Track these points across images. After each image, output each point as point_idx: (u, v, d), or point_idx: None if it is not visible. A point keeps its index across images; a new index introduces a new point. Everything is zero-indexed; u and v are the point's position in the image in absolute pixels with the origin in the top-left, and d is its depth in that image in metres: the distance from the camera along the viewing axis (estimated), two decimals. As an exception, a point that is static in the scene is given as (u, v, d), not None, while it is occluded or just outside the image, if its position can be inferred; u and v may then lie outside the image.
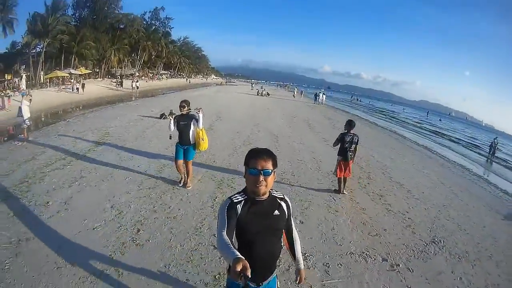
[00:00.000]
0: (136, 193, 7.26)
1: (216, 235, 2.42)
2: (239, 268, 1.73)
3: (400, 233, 7.29)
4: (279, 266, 4.92)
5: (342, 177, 8.98)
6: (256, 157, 2.49)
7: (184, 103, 7.81)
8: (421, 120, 77.05)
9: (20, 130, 12.75)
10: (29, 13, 48.71)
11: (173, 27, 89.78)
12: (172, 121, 7.79)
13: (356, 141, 8.96)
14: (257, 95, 49.60)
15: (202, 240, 5.62)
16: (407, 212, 8.60)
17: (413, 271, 5.77)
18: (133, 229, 5.73)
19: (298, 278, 2.89)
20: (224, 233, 2.27)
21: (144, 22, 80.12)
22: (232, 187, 8.32)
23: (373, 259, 5.99)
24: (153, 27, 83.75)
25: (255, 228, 2.48)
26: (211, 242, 5.56)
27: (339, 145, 8.98)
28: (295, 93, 67.29)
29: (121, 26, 70.84)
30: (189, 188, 7.84)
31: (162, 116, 15.27)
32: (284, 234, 2.81)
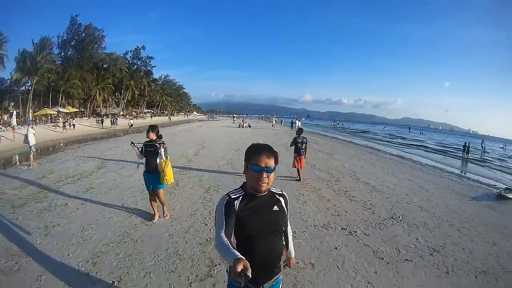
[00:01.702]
0: (141, 196, 8.51)
1: (214, 236, 2.37)
2: (239, 268, 1.71)
3: (360, 213, 8.47)
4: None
5: (298, 168, 11.88)
6: (259, 153, 2.43)
7: (150, 129, 7.11)
8: (395, 135, 78.17)
9: (26, 156, 13.57)
10: (18, 50, 48.85)
11: (154, 66, 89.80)
12: (137, 149, 7.14)
13: (306, 141, 12.45)
14: (239, 127, 50.39)
15: (196, 221, 7.00)
16: (369, 200, 9.80)
17: (369, 235, 6.97)
18: (142, 217, 7.03)
19: (288, 264, 3.04)
20: (222, 233, 2.24)
21: (126, 62, 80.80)
22: (218, 191, 9.62)
23: (333, 228, 7.24)
24: (135, 66, 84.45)
25: (255, 224, 2.41)
26: (203, 222, 6.99)
27: (294, 146, 12.08)
28: (274, 123, 68.87)
29: (105, 66, 71.87)
30: (167, 217, 7.15)
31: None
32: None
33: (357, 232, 7.14)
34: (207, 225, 6.84)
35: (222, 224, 2.32)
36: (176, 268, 5.00)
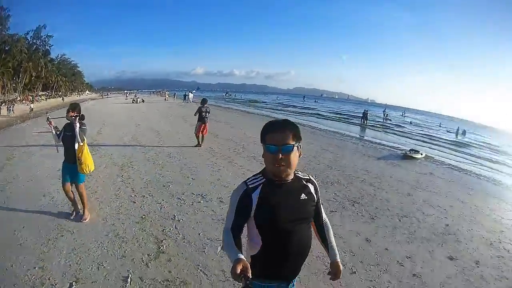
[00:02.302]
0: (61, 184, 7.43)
1: (224, 227, 1.95)
2: (239, 268, 1.51)
3: None
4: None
5: (201, 135, 12.03)
6: (273, 130, 1.86)
7: (70, 108, 5.30)
8: (287, 104, 72.80)
9: None
10: None
11: (52, 45, 79.14)
12: (53, 130, 5.42)
13: (209, 111, 12.56)
14: (133, 103, 47.26)
15: (123, 201, 6.48)
16: None
17: None
18: (69, 205, 5.94)
19: (334, 273, 2.12)
20: (229, 229, 1.88)
21: (27, 42, 67.97)
22: (132, 167, 9.01)
23: None
24: (34, 47, 71.74)
25: (280, 216, 1.85)
26: (130, 200, 6.54)
27: (198, 115, 12.07)
28: (167, 96, 66.57)
29: (6, 48, 59.80)
30: (86, 221, 5.47)
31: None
32: (312, 221, 2.14)
33: (276, 191, 7.35)
34: (135, 202, 6.41)
35: (232, 217, 1.90)
36: (125, 252, 4.52)
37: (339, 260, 2.13)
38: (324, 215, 2.23)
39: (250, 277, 1.53)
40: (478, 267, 4.96)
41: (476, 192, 9.62)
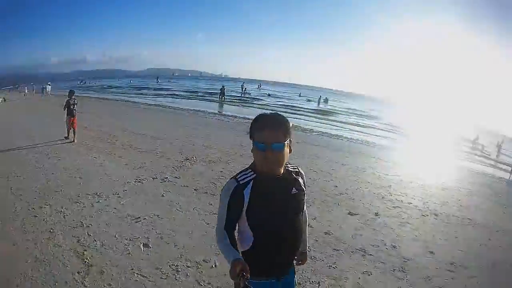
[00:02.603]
0: None
1: (216, 227, 1.82)
2: (237, 269, 1.43)
3: (157, 161, 8.64)
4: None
5: (72, 129, 11.23)
6: (262, 126, 1.67)
7: None
8: (141, 86, 63.52)
9: None
10: None
11: None
12: None
13: (77, 103, 11.69)
14: None
15: (24, 218, 5.31)
16: (157, 148, 10.04)
17: (180, 178, 7.30)
18: None
19: (300, 260, 2.17)
20: (224, 230, 1.75)
21: None
22: (17, 176, 7.43)
23: (146, 180, 7.17)
24: None
25: (272, 212, 1.73)
26: (30, 215, 5.48)
27: (67, 108, 11.09)
28: (26, 92, 59.41)
29: None
30: None
31: None
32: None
33: (168, 178, 7.28)
34: (36, 216, 5.31)
35: (224, 216, 1.75)
36: (54, 276, 3.65)
37: (307, 251, 2.22)
38: (305, 209, 2.03)
39: (249, 278, 1.45)
40: (379, 218, 5.79)
41: (352, 154, 10.67)
